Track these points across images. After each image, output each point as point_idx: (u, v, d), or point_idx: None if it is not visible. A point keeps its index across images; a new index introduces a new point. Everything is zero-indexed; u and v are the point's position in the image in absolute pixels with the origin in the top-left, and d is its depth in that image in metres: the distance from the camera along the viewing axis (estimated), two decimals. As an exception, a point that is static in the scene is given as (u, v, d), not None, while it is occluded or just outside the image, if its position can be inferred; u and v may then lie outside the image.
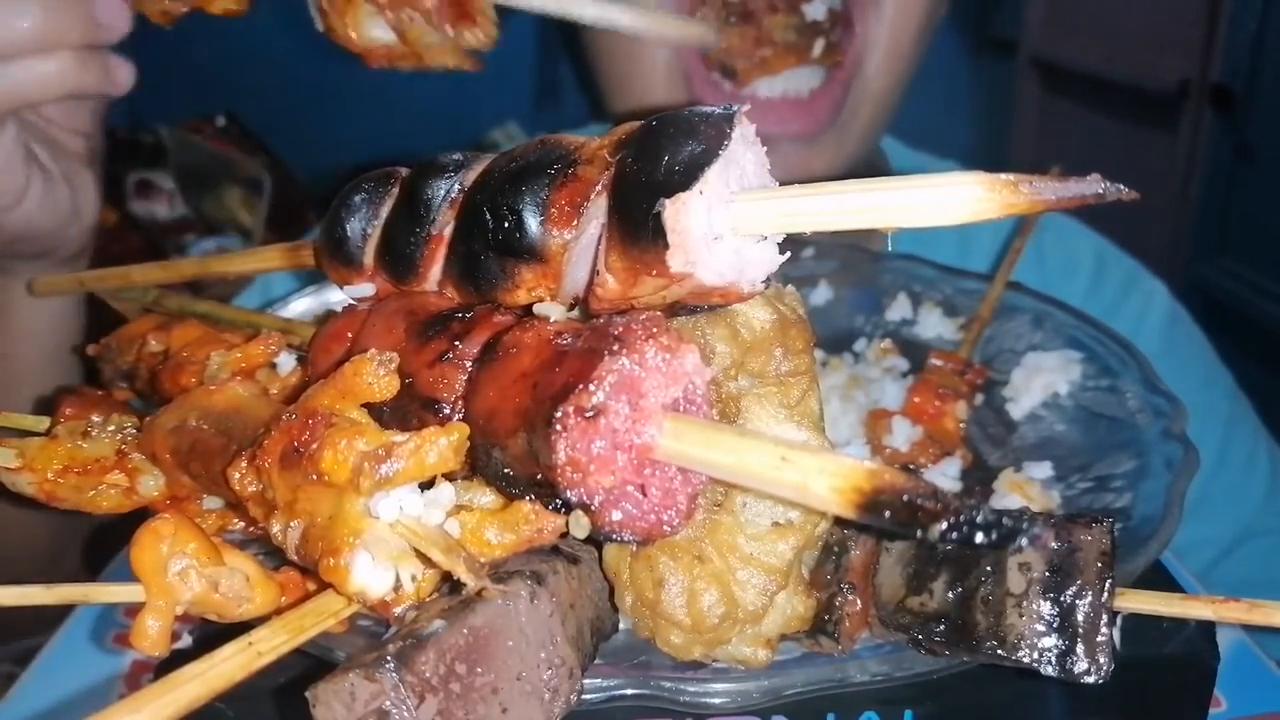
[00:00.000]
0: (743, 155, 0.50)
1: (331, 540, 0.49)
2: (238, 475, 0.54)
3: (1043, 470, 0.79)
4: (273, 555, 0.57)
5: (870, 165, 1.41)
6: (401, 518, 0.50)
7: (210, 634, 0.60)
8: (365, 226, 0.64)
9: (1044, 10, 4.29)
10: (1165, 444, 0.74)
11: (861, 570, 0.60)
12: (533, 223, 0.55)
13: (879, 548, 0.61)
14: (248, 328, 0.75)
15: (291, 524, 0.52)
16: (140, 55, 1.01)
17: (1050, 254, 1.38)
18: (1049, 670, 0.53)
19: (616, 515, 0.48)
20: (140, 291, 0.87)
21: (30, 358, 1.05)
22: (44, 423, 0.70)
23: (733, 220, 0.48)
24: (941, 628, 0.56)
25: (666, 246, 0.48)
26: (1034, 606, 0.54)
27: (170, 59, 0.98)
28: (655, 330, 0.48)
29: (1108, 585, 0.53)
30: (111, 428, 0.67)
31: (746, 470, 0.43)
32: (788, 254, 0.52)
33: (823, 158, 1.22)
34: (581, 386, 0.47)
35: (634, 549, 0.56)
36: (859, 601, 0.59)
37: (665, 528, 0.49)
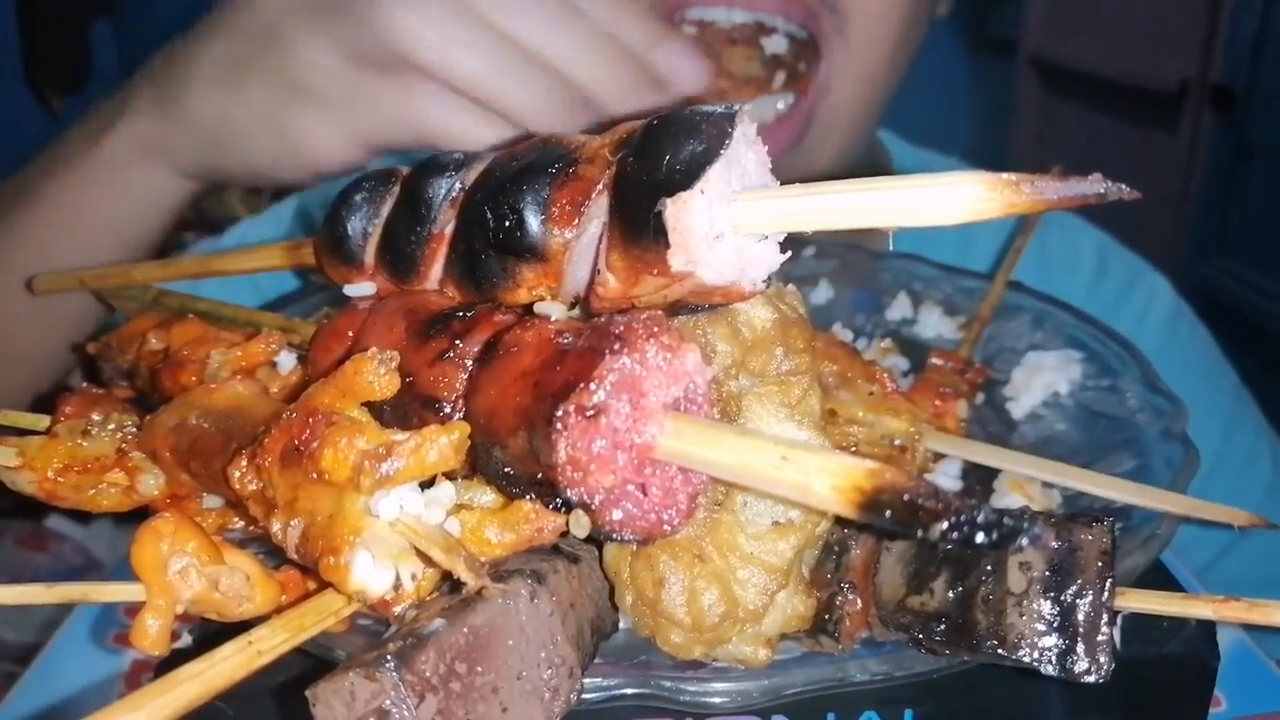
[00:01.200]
0: (744, 154, 0.50)
1: (332, 539, 0.49)
2: (238, 474, 0.54)
3: (1043, 470, 0.79)
4: (273, 554, 0.57)
5: (872, 162, 1.41)
6: (402, 516, 0.50)
7: (210, 633, 0.60)
8: (366, 225, 0.64)
9: (1044, 10, 4.29)
10: (1166, 444, 0.74)
11: (862, 570, 0.60)
12: (534, 222, 0.55)
13: (879, 547, 0.61)
14: (248, 326, 0.75)
15: (292, 522, 0.52)
16: (142, 49, 1.01)
17: (1052, 250, 1.38)
18: (1049, 670, 0.53)
19: (617, 514, 0.48)
20: (140, 289, 0.87)
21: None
22: (44, 421, 0.70)
23: (734, 219, 0.48)
24: (942, 627, 0.56)
25: (668, 246, 0.48)
26: (1034, 606, 0.54)
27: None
28: (656, 329, 0.48)
29: (1108, 585, 0.53)
30: (111, 426, 0.66)
31: (747, 469, 0.43)
32: (788, 253, 0.52)
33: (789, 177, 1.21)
34: (582, 385, 0.47)
35: (634, 548, 0.56)
36: (859, 601, 0.59)
37: (665, 527, 0.49)
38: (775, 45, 1.13)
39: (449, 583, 0.51)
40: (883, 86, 1.21)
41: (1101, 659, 0.52)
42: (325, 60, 0.87)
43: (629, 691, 0.56)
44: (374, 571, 0.49)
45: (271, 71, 0.90)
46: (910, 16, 1.18)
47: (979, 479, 0.78)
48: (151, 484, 0.65)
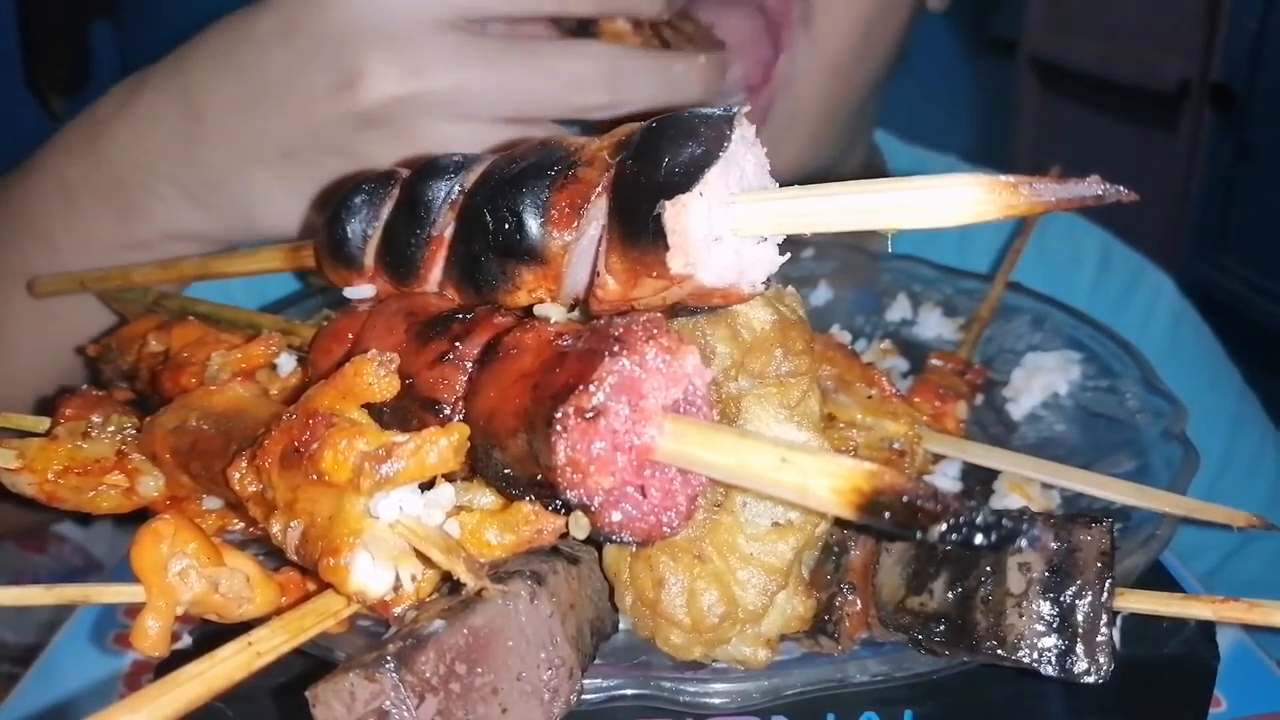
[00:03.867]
0: (743, 156, 0.50)
1: (331, 540, 0.50)
2: (238, 475, 0.55)
3: (1042, 470, 0.79)
4: (273, 555, 0.57)
5: (866, 161, 1.40)
6: (401, 518, 0.50)
7: (210, 634, 0.60)
8: (366, 228, 0.64)
9: (1044, 10, 4.29)
10: (1165, 444, 0.74)
11: (861, 570, 0.60)
12: (533, 224, 0.55)
13: (879, 548, 0.61)
14: (248, 328, 0.76)
15: (291, 524, 0.52)
16: (142, 50, 1.01)
17: (1055, 248, 1.36)
18: (1049, 670, 0.53)
19: (616, 516, 0.48)
20: (141, 292, 0.88)
21: None
22: (44, 423, 0.70)
23: (733, 221, 0.48)
24: (941, 628, 0.56)
25: (667, 248, 0.48)
26: (1034, 606, 0.54)
27: (169, 51, 0.97)
28: (656, 331, 0.48)
29: (1107, 585, 0.53)
30: (111, 428, 0.67)
31: (746, 471, 0.43)
32: (788, 255, 0.52)
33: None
34: (582, 387, 0.47)
35: (634, 549, 0.56)
36: (859, 601, 0.59)
37: (665, 529, 0.49)
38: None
39: (449, 584, 0.51)
40: (852, 78, 1.16)
41: (1101, 659, 0.53)
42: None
43: (629, 692, 0.56)
44: (374, 572, 0.49)
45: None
46: (879, 5, 1.14)
47: (979, 480, 0.78)
48: (151, 486, 0.65)
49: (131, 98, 0.97)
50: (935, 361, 0.89)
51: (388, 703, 0.44)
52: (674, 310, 0.54)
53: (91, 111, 1.01)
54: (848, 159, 1.26)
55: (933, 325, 1.01)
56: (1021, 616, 0.54)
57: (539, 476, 0.50)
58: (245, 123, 0.90)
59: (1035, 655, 0.53)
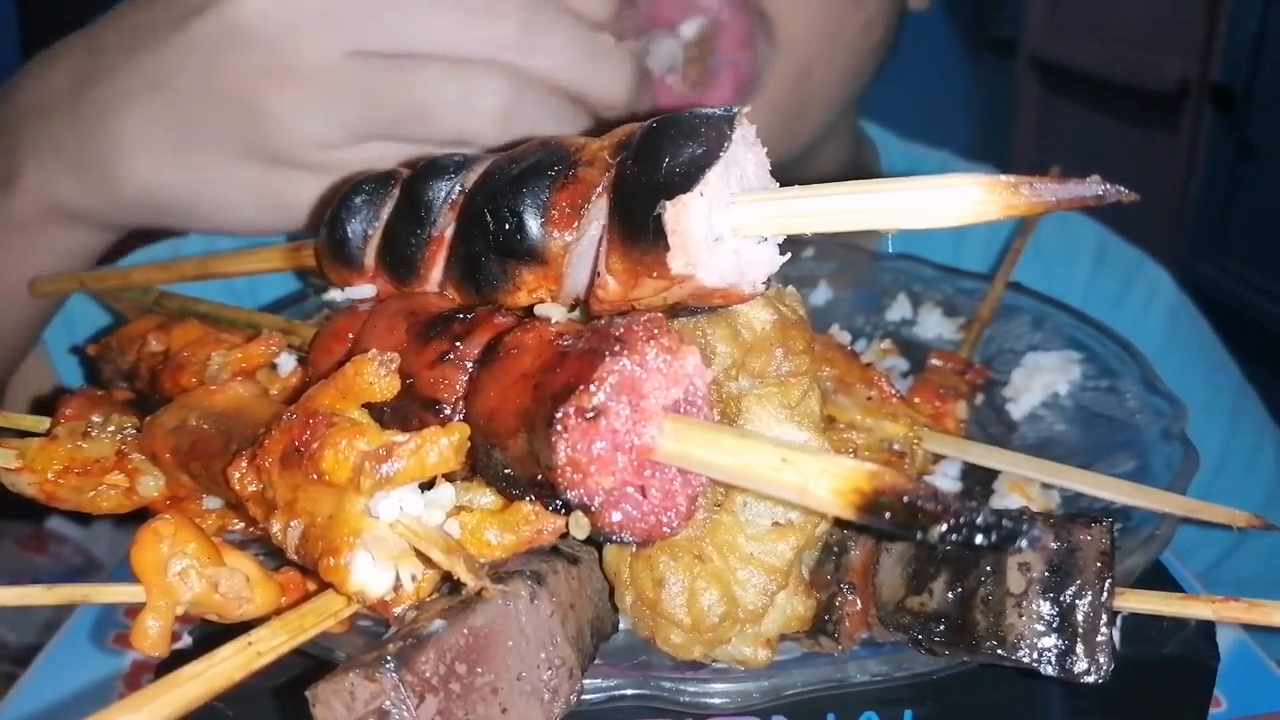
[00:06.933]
0: (743, 156, 0.50)
1: (331, 540, 0.50)
2: (238, 475, 0.55)
3: (1043, 470, 0.79)
4: (273, 555, 0.57)
5: (854, 154, 1.39)
6: (402, 518, 0.50)
7: (210, 634, 0.60)
8: (366, 228, 0.64)
9: (1044, 10, 4.30)
10: (1165, 444, 0.74)
11: (861, 570, 0.60)
12: (533, 224, 0.55)
13: (879, 548, 0.61)
14: (248, 328, 0.76)
15: (291, 524, 0.52)
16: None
17: (1050, 243, 1.35)
18: (1049, 670, 0.53)
19: (616, 516, 0.48)
20: (140, 291, 0.88)
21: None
22: (44, 423, 0.70)
23: (733, 222, 0.48)
24: (941, 628, 0.56)
25: (667, 248, 0.48)
26: (1034, 606, 0.54)
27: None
28: (656, 331, 0.48)
29: (1107, 585, 0.53)
30: (111, 428, 0.67)
31: (747, 471, 0.43)
32: (788, 255, 0.52)
33: None
34: (582, 387, 0.47)
35: (634, 549, 0.56)
36: (859, 601, 0.59)
37: (665, 529, 0.49)
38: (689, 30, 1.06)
39: (449, 584, 0.51)
40: (824, 81, 1.15)
41: (1101, 659, 0.53)
42: (316, 134, 0.81)
43: (629, 692, 0.56)
44: (374, 572, 0.49)
45: (243, 143, 0.83)
46: (843, 14, 1.13)
47: (979, 480, 0.78)
48: (151, 485, 0.65)
49: (55, 45, 0.92)
50: (935, 361, 0.89)
51: (388, 703, 0.44)
52: (674, 310, 0.54)
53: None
54: (823, 149, 1.25)
55: (933, 325, 1.01)
56: (1021, 616, 0.54)
57: (539, 476, 0.50)
58: (126, 53, 0.85)
59: (1035, 655, 0.53)
